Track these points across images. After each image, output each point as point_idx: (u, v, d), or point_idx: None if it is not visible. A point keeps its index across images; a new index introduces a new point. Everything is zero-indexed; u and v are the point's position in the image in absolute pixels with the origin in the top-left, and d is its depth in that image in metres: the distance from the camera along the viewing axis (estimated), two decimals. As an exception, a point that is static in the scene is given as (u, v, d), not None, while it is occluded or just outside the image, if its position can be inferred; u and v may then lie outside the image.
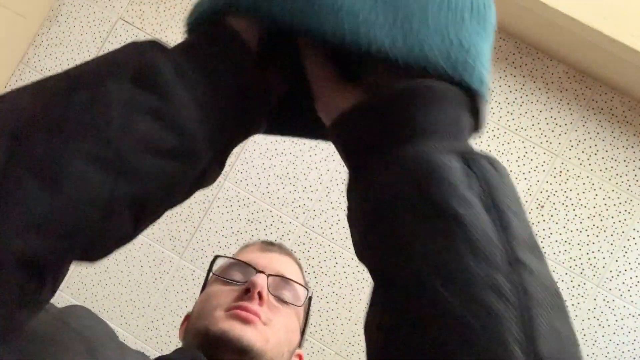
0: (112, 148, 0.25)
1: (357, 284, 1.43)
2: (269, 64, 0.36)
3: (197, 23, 0.35)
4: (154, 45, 0.31)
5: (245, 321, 0.58)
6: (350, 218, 0.32)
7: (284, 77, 0.38)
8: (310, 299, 0.71)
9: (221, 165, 0.34)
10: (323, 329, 1.43)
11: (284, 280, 0.67)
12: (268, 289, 0.63)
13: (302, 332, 0.72)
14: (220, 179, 1.50)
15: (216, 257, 0.71)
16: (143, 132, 0.27)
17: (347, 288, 1.43)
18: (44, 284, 0.26)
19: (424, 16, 0.32)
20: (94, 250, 0.29)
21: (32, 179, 0.23)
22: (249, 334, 0.57)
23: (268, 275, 0.64)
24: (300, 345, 0.72)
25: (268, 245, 0.74)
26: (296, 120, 0.43)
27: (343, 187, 1.45)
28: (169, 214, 1.48)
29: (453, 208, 0.26)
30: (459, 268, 0.25)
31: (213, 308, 0.61)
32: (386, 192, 0.28)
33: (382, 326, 0.27)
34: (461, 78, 0.32)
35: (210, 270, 0.70)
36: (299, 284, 0.68)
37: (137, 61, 0.29)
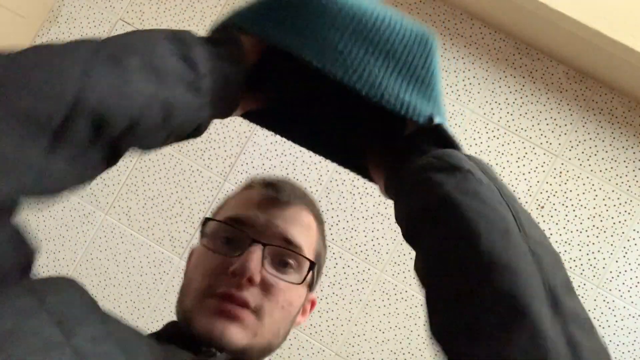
0: (155, 70, 0.40)
1: (357, 285, 1.42)
2: (266, 73, 0.52)
3: (218, 29, 0.48)
4: (179, 30, 0.45)
5: (230, 317, 0.52)
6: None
7: (276, 86, 0.55)
8: (314, 265, 0.59)
9: (206, 125, 0.47)
10: (323, 330, 1.43)
11: (286, 247, 0.57)
12: (264, 262, 0.55)
13: (312, 286, 0.63)
14: (220, 179, 1.50)
15: (206, 219, 0.61)
16: (173, 66, 0.41)
17: (347, 289, 1.43)
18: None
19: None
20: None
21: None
22: (232, 332, 0.52)
23: (265, 246, 0.55)
24: (311, 290, 0.64)
25: (272, 192, 0.61)
26: (329, 144, 0.59)
27: (343, 188, 1.45)
28: (169, 215, 1.48)
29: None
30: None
31: (199, 291, 0.55)
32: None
33: None
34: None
35: (200, 232, 0.61)
36: (302, 255, 0.58)
37: (169, 31, 0.43)
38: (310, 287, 0.64)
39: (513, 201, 0.43)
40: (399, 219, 0.48)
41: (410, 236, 0.46)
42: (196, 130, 0.46)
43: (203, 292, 0.55)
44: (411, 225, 0.45)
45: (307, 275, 0.59)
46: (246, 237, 0.56)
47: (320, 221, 0.65)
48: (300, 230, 0.59)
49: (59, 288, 0.45)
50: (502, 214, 0.40)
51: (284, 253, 0.57)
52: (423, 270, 0.43)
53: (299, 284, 0.58)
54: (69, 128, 0.34)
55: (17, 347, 0.35)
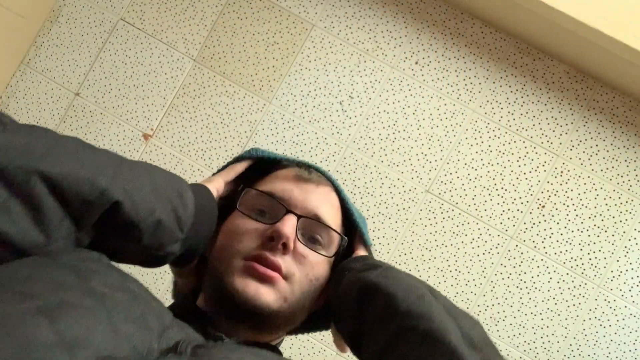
0: (157, 193, 0.52)
1: (358, 285, 1.43)
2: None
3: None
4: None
5: (262, 279, 0.53)
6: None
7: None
8: (344, 240, 0.62)
9: (167, 261, 0.56)
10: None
11: (317, 221, 0.59)
12: (297, 233, 0.57)
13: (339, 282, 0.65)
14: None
15: (244, 187, 0.63)
16: (170, 197, 0.53)
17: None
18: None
19: None
20: None
21: None
22: (264, 295, 0.53)
23: (299, 217, 0.57)
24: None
25: (305, 172, 0.64)
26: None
27: (344, 187, 1.45)
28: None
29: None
30: None
31: (232, 254, 0.56)
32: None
33: None
34: None
35: (237, 200, 0.61)
36: (333, 229, 0.60)
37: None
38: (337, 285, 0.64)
39: (428, 285, 0.54)
40: (344, 329, 0.58)
41: (354, 333, 0.55)
42: (158, 262, 0.54)
43: (237, 254, 0.56)
44: (351, 318, 0.55)
45: (337, 249, 0.61)
46: (281, 208, 0.58)
47: (345, 205, 0.67)
48: (330, 209, 0.62)
49: (75, 251, 0.47)
50: (418, 286, 0.52)
51: (315, 229, 0.59)
52: (363, 343, 0.53)
53: (330, 257, 0.60)
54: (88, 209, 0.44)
55: (31, 287, 0.37)
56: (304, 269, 0.57)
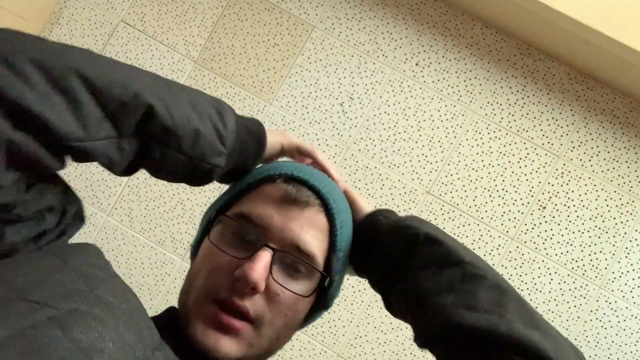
0: (195, 107, 0.55)
1: (359, 286, 1.42)
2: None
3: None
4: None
5: (225, 330, 0.50)
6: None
7: None
8: (325, 278, 0.56)
9: (215, 177, 0.58)
10: (325, 331, 1.43)
11: (297, 257, 0.54)
12: (272, 269, 0.52)
13: (328, 300, 0.62)
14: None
15: (217, 213, 0.57)
16: (209, 111, 0.55)
17: (348, 290, 1.43)
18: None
19: None
20: None
21: None
22: (225, 346, 0.50)
23: (275, 252, 0.52)
24: (328, 305, 0.63)
25: (293, 190, 0.56)
26: None
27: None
28: (171, 216, 1.48)
29: None
30: None
31: (201, 291, 0.53)
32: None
33: None
34: None
35: (207, 228, 0.58)
36: (312, 265, 0.55)
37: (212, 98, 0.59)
38: (327, 303, 0.61)
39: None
40: (376, 266, 0.63)
41: (391, 270, 0.59)
42: (206, 176, 0.56)
43: (205, 292, 0.53)
44: (395, 259, 0.58)
45: (316, 288, 0.56)
46: (257, 239, 0.53)
47: (335, 226, 0.60)
48: (315, 234, 0.56)
49: (82, 252, 0.48)
50: (465, 248, 0.57)
51: (293, 262, 0.54)
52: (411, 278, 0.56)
53: (307, 296, 0.55)
54: (126, 112, 0.47)
55: (43, 295, 0.38)
56: (277, 307, 0.53)
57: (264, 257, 0.51)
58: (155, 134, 0.50)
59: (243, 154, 0.58)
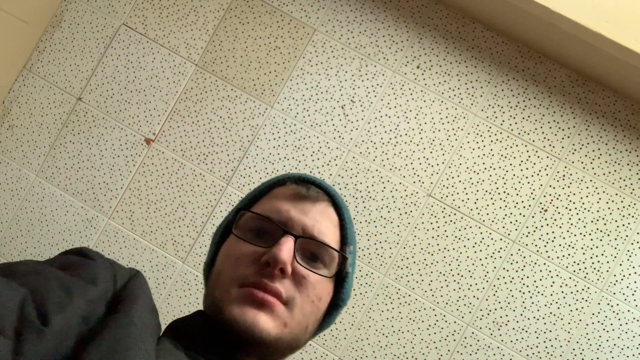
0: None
1: (360, 289, 1.42)
2: None
3: None
4: None
5: (261, 305, 0.52)
6: None
7: None
8: (345, 259, 0.60)
9: None
10: (326, 334, 1.43)
11: (315, 241, 0.57)
12: (295, 255, 0.55)
13: (343, 293, 0.64)
14: (222, 184, 1.49)
15: (239, 210, 0.61)
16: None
17: (350, 293, 1.43)
18: None
19: None
20: None
21: None
22: (262, 321, 0.51)
23: (297, 238, 0.55)
24: (343, 302, 0.66)
25: (303, 189, 0.61)
26: None
27: (345, 192, 1.45)
28: (172, 219, 1.48)
29: None
30: None
31: (229, 281, 0.54)
32: None
33: None
34: None
35: (232, 222, 0.60)
36: (332, 248, 0.58)
37: None
38: (340, 301, 0.63)
39: None
40: None
41: None
42: None
43: (234, 281, 0.54)
44: None
45: (338, 268, 0.59)
46: (278, 229, 0.56)
47: (345, 221, 0.65)
48: (329, 225, 0.60)
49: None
50: None
51: (314, 248, 0.57)
52: None
53: (330, 277, 0.58)
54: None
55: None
56: (305, 290, 0.55)
57: (287, 241, 0.54)
58: None
59: None
